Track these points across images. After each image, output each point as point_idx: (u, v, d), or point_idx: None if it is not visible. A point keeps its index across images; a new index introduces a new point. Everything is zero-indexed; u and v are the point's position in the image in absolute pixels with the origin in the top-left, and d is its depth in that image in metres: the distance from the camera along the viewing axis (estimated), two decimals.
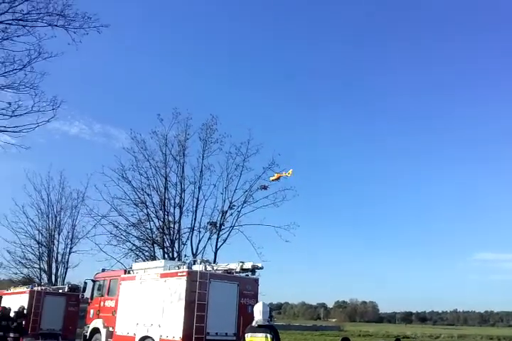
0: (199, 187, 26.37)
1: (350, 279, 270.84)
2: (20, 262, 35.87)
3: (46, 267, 35.41)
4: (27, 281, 34.38)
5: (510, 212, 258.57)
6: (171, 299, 15.38)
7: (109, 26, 14.21)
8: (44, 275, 35.54)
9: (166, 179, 26.57)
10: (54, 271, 35.31)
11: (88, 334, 19.60)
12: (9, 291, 28.22)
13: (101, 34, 13.98)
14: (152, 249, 26.68)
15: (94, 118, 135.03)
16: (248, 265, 15.99)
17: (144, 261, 24.82)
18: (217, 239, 26.00)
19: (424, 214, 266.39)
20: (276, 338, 7.71)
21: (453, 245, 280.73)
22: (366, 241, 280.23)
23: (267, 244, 27.03)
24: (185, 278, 15.03)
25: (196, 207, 26.29)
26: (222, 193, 26.36)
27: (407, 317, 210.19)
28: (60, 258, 35.47)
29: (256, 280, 16.52)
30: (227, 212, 26.20)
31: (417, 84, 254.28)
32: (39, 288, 25.21)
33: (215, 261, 22.53)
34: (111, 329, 18.14)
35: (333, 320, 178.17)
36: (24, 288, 26.26)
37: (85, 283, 21.48)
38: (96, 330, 19.17)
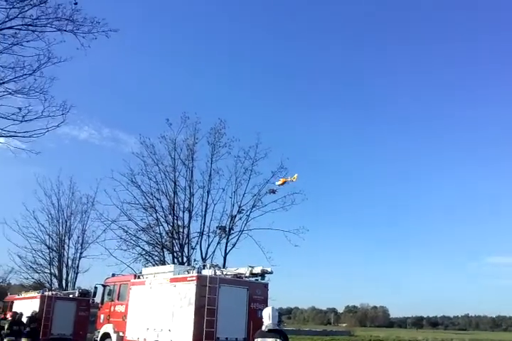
0: (208, 192, 26.46)
1: (361, 284, 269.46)
2: (31, 267, 36.08)
3: (57, 272, 35.57)
4: (38, 286, 34.60)
5: None
6: (180, 304, 15.37)
7: (118, 31, 14.23)
8: (55, 280, 35.73)
9: (175, 183, 26.66)
10: (64, 275, 35.46)
11: (99, 339, 19.61)
12: (20, 296, 28.41)
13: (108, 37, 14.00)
14: (162, 253, 26.77)
15: (102, 122, 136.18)
16: (257, 269, 15.95)
17: (153, 265, 24.89)
18: (227, 243, 26.03)
19: (436, 217, 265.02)
20: None
21: (464, 249, 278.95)
22: (377, 246, 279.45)
23: (276, 248, 26.93)
24: (194, 282, 15.01)
25: (205, 211, 26.38)
26: (231, 197, 26.43)
27: (418, 322, 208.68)
28: (70, 263, 35.66)
29: (265, 285, 16.46)
30: (236, 216, 26.23)
31: (416, 84, 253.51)
32: (50, 293, 25.26)
33: (224, 266, 22.50)
34: (121, 334, 18.16)
35: (344, 324, 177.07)
36: (35, 293, 26.42)
37: (95, 287, 21.54)
38: (106, 335, 19.18)
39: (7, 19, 12.88)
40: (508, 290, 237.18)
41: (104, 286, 20.70)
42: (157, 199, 26.66)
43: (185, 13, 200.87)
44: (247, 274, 16.09)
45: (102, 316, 20.17)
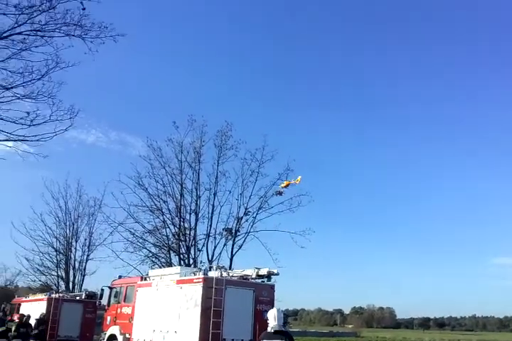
0: (214, 194, 26.51)
1: (367, 285, 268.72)
2: (38, 269, 36.33)
3: (64, 274, 35.74)
4: (45, 288, 34.76)
5: None
6: (187, 305, 15.43)
7: (126, 35, 14.31)
8: (62, 283, 35.89)
9: (181, 186, 26.75)
10: (71, 278, 35.66)
11: (105, 340, 19.73)
12: (27, 298, 28.55)
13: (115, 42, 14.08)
14: (168, 255, 26.86)
15: (110, 125, 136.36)
16: (264, 271, 15.98)
17: (160, 267, 24.99)
18: (233, 245, 26.07)
19: (441, 218, 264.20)
20: None
21: (470, 250, 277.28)
22: (383, 247, 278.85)
23: (282, 250, 26.89)
24: (201, 284, 15.07)
25: (212, 213, 26.42)
26: (237, 199, 26.46)
27: (425, 323, 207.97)
28: (77, 265, 35.87)
29: (272, 287, 16.46)
30: (242, 218, 26.27)
31: (416, 84, 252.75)
32: (57, 295, 25.39)
33: (230, 268, 22.52)
34: (128, 335, 18.23)
35: (350, 326, 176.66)
36: (42, 296, 26.53)
37: (102, 290, 21.65)
38: (113, 337, 19.24)
39: (16, 25, 12.98)
40: None
41: (110, 288, 20.78)
42: (164, 202, 26.81)
43: (185, 13, 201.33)
44: (254, 276, 16.12)
45: (108, 318, 20.24)
